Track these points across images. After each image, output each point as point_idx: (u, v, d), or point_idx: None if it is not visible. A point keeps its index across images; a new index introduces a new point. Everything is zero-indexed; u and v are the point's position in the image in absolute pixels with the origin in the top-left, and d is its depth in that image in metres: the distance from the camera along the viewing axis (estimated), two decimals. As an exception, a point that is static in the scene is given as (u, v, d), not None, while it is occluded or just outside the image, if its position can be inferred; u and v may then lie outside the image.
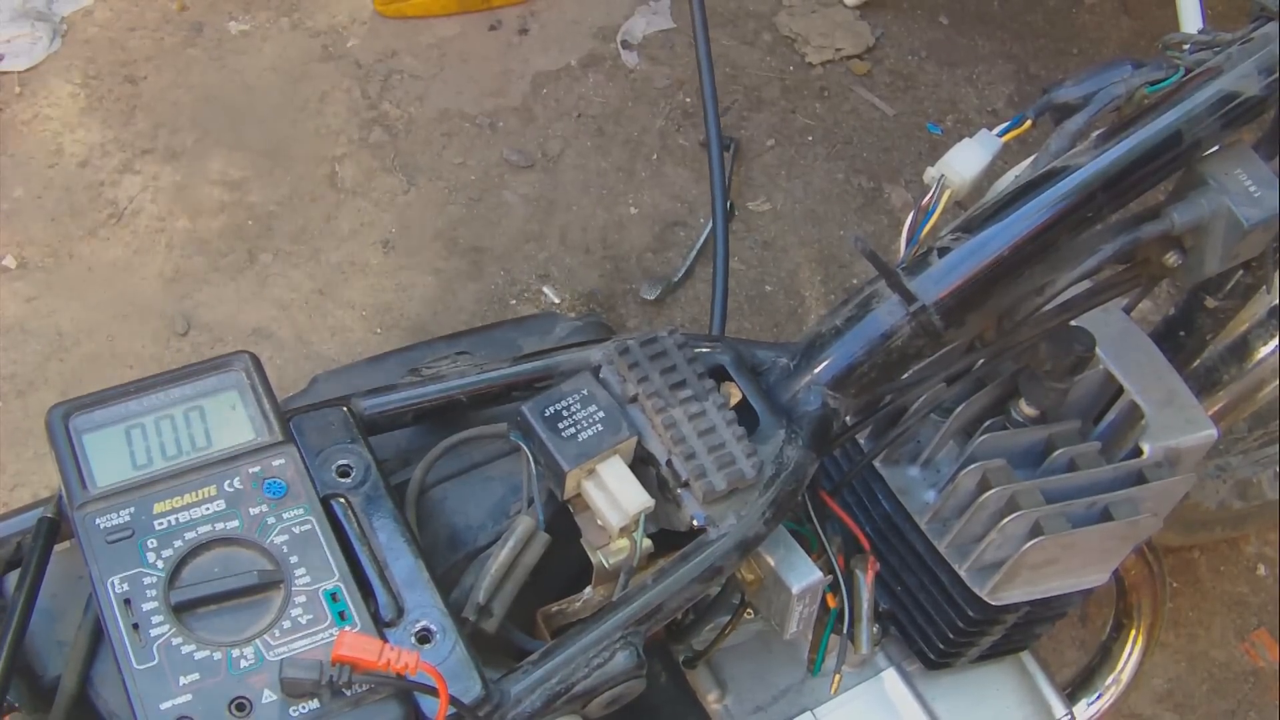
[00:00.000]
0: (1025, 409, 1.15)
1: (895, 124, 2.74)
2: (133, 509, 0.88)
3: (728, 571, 0.98)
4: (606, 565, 0.98)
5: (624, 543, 0.98)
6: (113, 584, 0.85)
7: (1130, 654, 1.59)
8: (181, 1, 2.74)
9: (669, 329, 1.02)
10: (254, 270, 2.41)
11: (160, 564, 0.86)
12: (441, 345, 1.16)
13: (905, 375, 1.05)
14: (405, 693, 0.83)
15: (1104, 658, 1.61)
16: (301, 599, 0.86)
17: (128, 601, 0.85)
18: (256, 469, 0.91)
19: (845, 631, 1.14)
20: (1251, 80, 1.02)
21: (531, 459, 0.97)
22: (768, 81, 2.78)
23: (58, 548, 0.93)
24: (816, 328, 1.04)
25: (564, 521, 0.99)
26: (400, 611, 0.88)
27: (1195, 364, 1.53)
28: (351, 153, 2.57)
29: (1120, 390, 1.17)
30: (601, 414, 0.96)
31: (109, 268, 2.39)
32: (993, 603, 1.14)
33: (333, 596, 0.87)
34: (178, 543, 0.87)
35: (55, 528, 0.92)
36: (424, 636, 0.88)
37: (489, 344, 1.17)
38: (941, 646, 1.20)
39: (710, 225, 2.51)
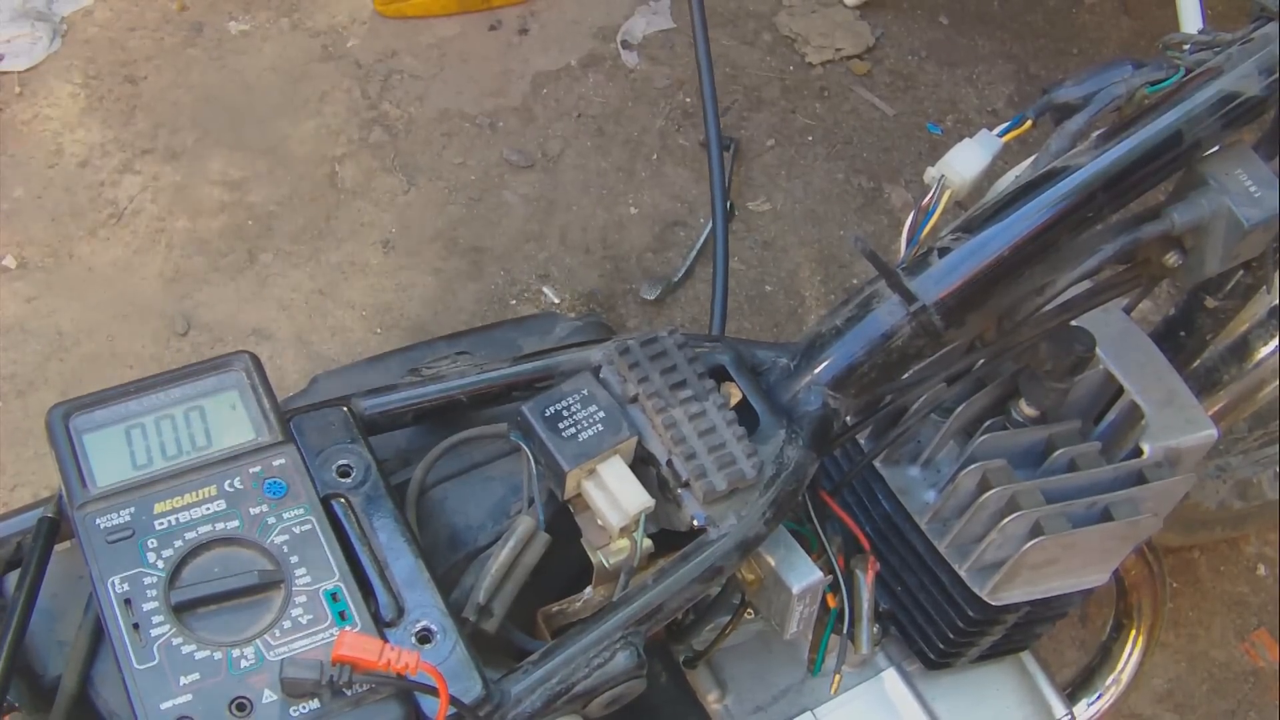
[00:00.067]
0: (1025, 409, 1.15)
1: (895, 124, 2.74)
2: (133, 509, 0.88)
3: (728, 571, 0.98)
4: (607, 565, 0.98)
5: (624, 543, 0.98)
6: (113, 584, 0.85)
7: (1130, 654, 1.59)
8: (181, 1, 2.74)
9: (669, 329, 1.02)
10: (254, 270, 2.41)
11: (160, 564, 0.86)
12: (441, 345, 1.16)
13: (905, 375, 1.05)
14: (405, 693, 0.83)
15: (1104, 658, 1.61)
16: (302, 599, 0.86)
17: (128, 601, 0.85)
18: (257, 469, 0.91)
19: (845, 631, 1.14)
20: (1252, 80, 1.02)
21: (532, 459, 0.97)
22: (768, 81, 2.78)
23: (58, 548, 0.93)
24: (817, 328, 1.04)
25: (564, 521, 0.99)
26: (400, 611, 0.88)
27: (1195, 364, 1.53)
28: (351, 153, 2.57)
29: (1120, 390, 1.17)
30: (602, 414, 0.96)
31: (109, 268, 2.39)
32: (993, 603, 1.14)
33: (333, 596, 0.87)
34: (178, 543, 0.87)
35: (55, 528, 0.92)
36: (424, 636, 0.88)
37: (489, 344, 1.17)
38: (941, 646, 1.20)
39: (710, 225, 2.51)
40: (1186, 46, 1.07)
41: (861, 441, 1.19)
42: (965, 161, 1.08)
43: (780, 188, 2.63)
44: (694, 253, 2.50)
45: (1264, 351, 1.68)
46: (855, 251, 2.51)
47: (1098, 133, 1.05)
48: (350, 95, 2.65)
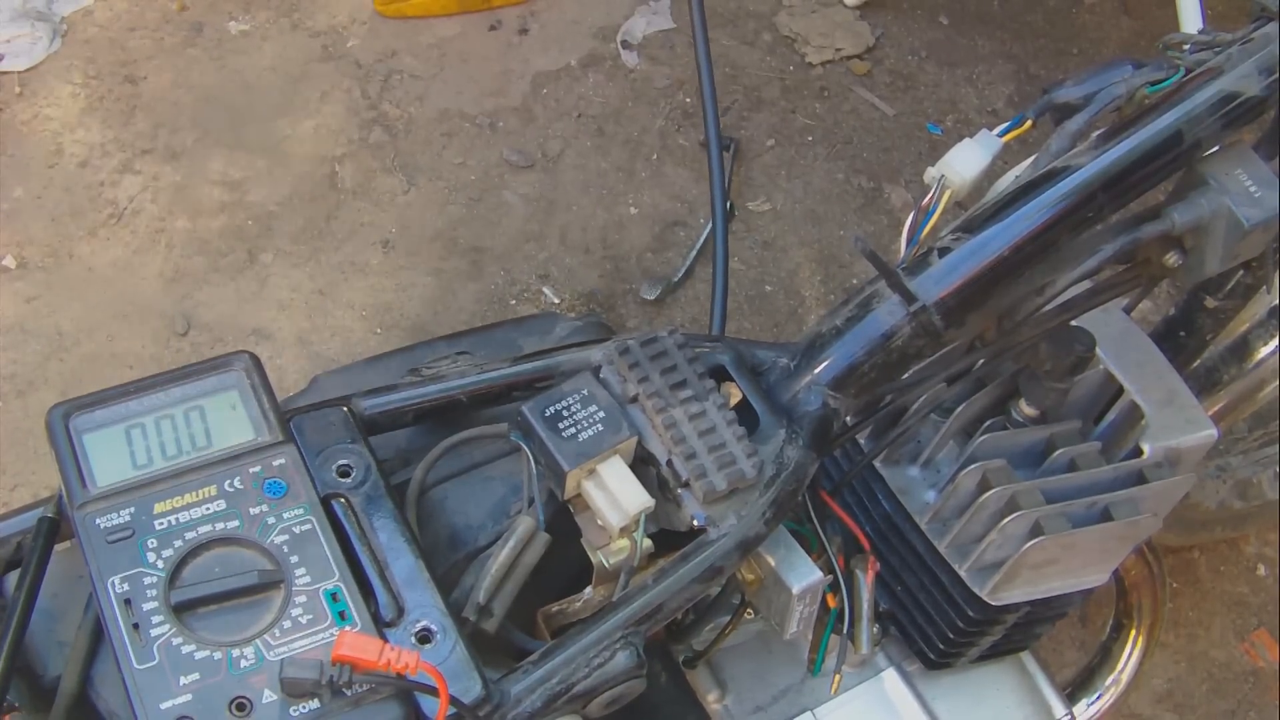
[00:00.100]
0: (1025, 409, 1.15)
1: (895, 124, 2.74)
2: (133, 509, 0.88)
3: (728, 571, 0.98)
4: (607, 565, 0.98)
5: (624, 543, 0.98)
6: (113, 584, 0.85)
7: (1130, 654, 1.59)
8: (181, 1, 2.74)
9: (669, 329, 1.02)
10: (254, 270, 2.41)
11: (160, 564, 0.86)
12: (442, 345, 1.16)
13: (905, 375, 1.05)
14: (405, 693, 0.83)
15: (1104, 658, 1.61)
16: (302, 599, 0.86)
17: (128, 601, 0.85)
18: (257, 469, 0.91)
19: (845, 631, 1.14)
20: (1252, 80, 1.02)
21: (532, 459, 0.97)
22: (768, 81, 2.78)
23: (58, 548, 0.93)
24: (817, 328, 1.04)
25: (564, 521, 0.99)
26: (400, 611, 0.88)
27: (1195, 364, 1.53)
28: (351, 153, 2.57)
29: (1120, 390, 1.17)
30: (602, 414, 0.96)
31: (109, 268, 2.39)
32: (993, 603, 1.14)
33: (333, 596, 0.87)
34: (178, 542, 0.87)
35: (55, 527, 0.92)
36: (424, 636, 0.88)
37: (489, 344, 1.17)
38: (941, 646, 1.20)
39: (710, 225, 2.51)
40: (1186, 46, 1.07)
41: (861, 441, 1.19)
42: (965, 161, 1.08)
43: (780, 188, 2.63)
44: (694, 253, 2.50)
45: (1264, 351, 1.68)
46: (855, 251, 2.51)
47: (1098, 133, 1.05)
48: (350, 95, 2.65)
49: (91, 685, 0.89)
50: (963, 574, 1.14)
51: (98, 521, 0.88)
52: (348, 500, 0.93)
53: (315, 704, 0.82)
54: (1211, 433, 1.15)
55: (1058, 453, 1.14)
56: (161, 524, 0.88)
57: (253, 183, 2.52)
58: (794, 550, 1.03)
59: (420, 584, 0.90)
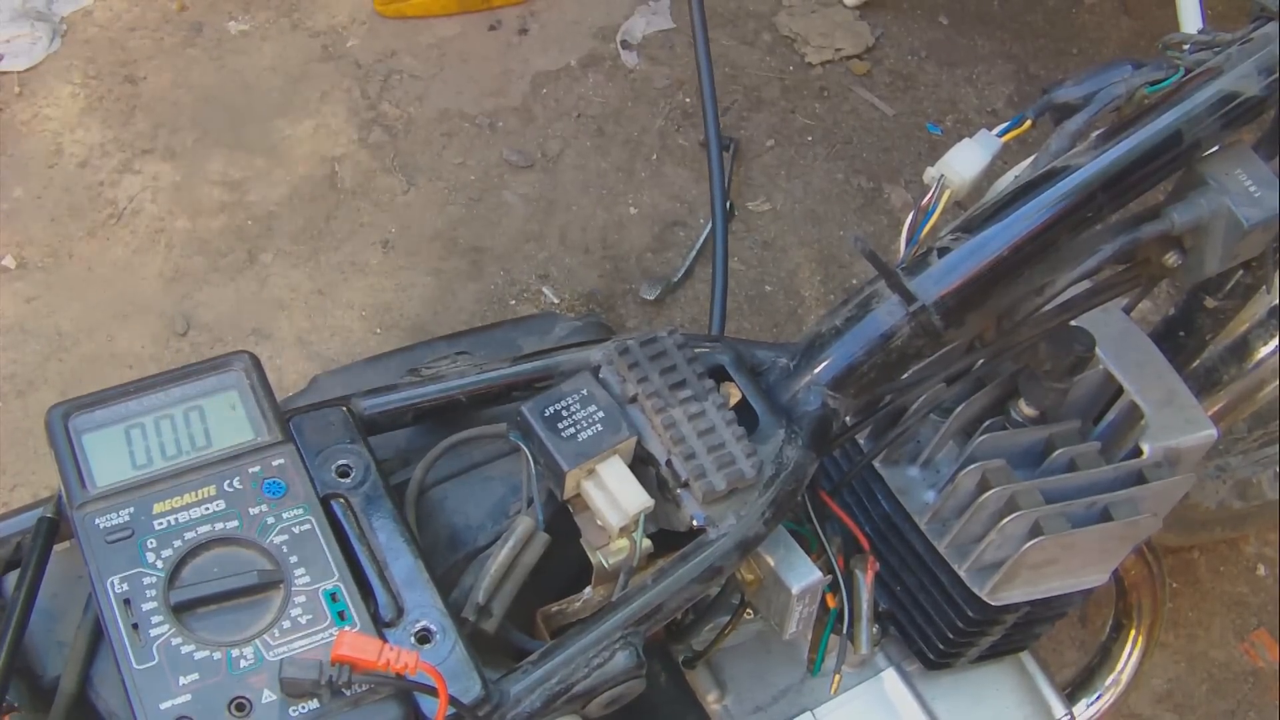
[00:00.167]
0: (1025, 409, 1.15)
1: (895, 124, 2.74)
2: (132, 509, 0.88)
3: (727, 572, 0.97)
4: (606, 565, 0.98)
5: (624, 543, 0.97)
6: (112, 584, 0.85)
7: (1130, 654, 1.59)
8: (181, 1, 2.74)
9: (669, 329, 1.02)
10: (254, 270, 2.41)
11: (160, 564, 0.86)
12: (441, 345, 1.16)
13: (905, 375, 1.05)
14: (405, 693, 0.83)
15: (1104, 658, 1.61)
16: (301, 599, 0.86)
17: (127, 601, 0.85)
18: (256, 469, 0.91)
19: (845, 631, 1.14)
20: (1251, 80, 1.02)
21: (531, 459, 0.97)
22: (767, 81, 2.78)
23: (57, 548, 0.93)
24: (816, 328, 1.04)
25: (564, 521, 0.99)
26: (400, 611, 0.88)
27: (1195, 364, 1.53)
28: (351, 153, 2.57)
29: (1120, 390, 1.17)
30: (601, 414, 0.96)
31: (109, 268, 2.39)
32: (992, 603, 1.14)
33: (332, 596, 0.87)
34: (177, 542, 0.87)
35: (55, 528, 0.92)
36: (423, 636, 0.88)
37: (489, 344, 1.17)
38: (941, 646, 1.20)
39: (710, 225, 2.51)
40: (1186, 46, 1.07)
41: (861, 441, 1.19)
42: (965, 161, 1.08)
43: (780, 188, 2.63)
44: (694, 253, 2.50)
45: (1264, 351, 1.68)
46: (855, 251, 2.51)
47: (1097, 133, 1.05)
48: (350, 95, 2.65)
49: (91, 685, 0.89)
50: (962, 574, 1.14)
51: (97, 521, 0.88)
52: (347, 500, 0.93)
53: (315, 704, 0.82)
54: (1211, 433, 1.15)
55: (1057, 453, 1.14)
56: (161, 524, 0.88)
57: (252, 183, 2.52)
58: (793, 550, 1.03)
59: (419, 584, 0.90)
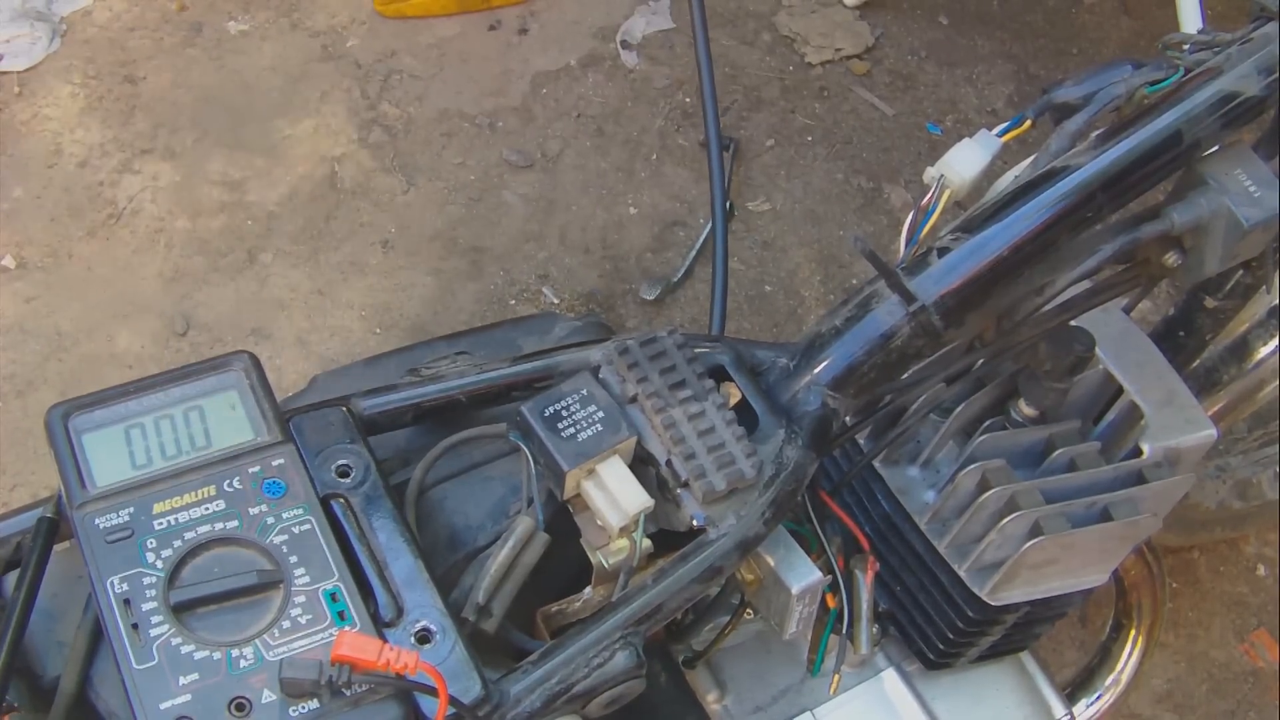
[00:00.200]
0: (1025, 409, 1.15)
1: (895, 124, 2.74)
2: (132, 509, 0.88)
3: (727, 572, 0.97)
4: (606, 565, 0.98)
5: (624, 543, 0.97)
6: (112, 584, 0.85)
7: (1130, 654, 1.59)
8: (181, 1, 2.74)
9: (668, 329, 1.02)
10: (254, 270, 2.41)
11: (160, 564, 0.86)
12: (441, 345, 1.16)
13: (905, 375, 1.05)
14: (405, 693, 0.83)
15: (1104, 658, 1.61)
16: (301, 599, 0.86)
17: (127, 601, 0.85)
18: (256, 469, 0.91)
19: (845, 632, 1.14)
20: (1251, 80, 1.02)
21: (531, 459, 0.97)
22: (767, 81, 2.78)
23: (57, 548, 0.93)
24: (816, 328, 1.04)
25: (564, 521, 0.99)
26: (400, 611, 0.88)
27: (1195, 364, 1.53)
28: (351, 153, 2.57)
29: (1120, 390, 1.17)
30: (601, 414, 0.96)
31: (108, 268, 2.39)
32: (992, 603, 1.14)
33: (332, 596, 0.87)
34: (177, 543, 0.87)
35: (55, 528, 0.92)
36: (423, 636, 0.88)
37: (489, 344, 1.17)
38: (941, 647, 1.20)
39: (710, 225, 2.51)
40: (1186, 46, 1.07)
41: (861, 441, 1.19)
42: (965, 161, 1.08)
43: (780, 188, 2.63)
44: (693, 253, 2.50)
45: (1264, 351, 1.68)
46: (855, 251, 2.51)
47: (1097, 133, 1.05)
48: (350, 95, 2.65)
49: (91, 685, 0.89)
50: (962, 574, 1.14)
51: (97, 521, 0.88)
52: (347, 500, 0.93)
53: (314, 704, 0.82)
54: (1211, 433, 1.15)
55: (1057, 453, 1.14)
56: (161, 524, 0.88)
57: (252, 183, 2.52)
58: (793, 550, 1.03)
59: (419, 584, 0.90)
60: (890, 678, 1.25)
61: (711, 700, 1.23)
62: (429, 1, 2.75)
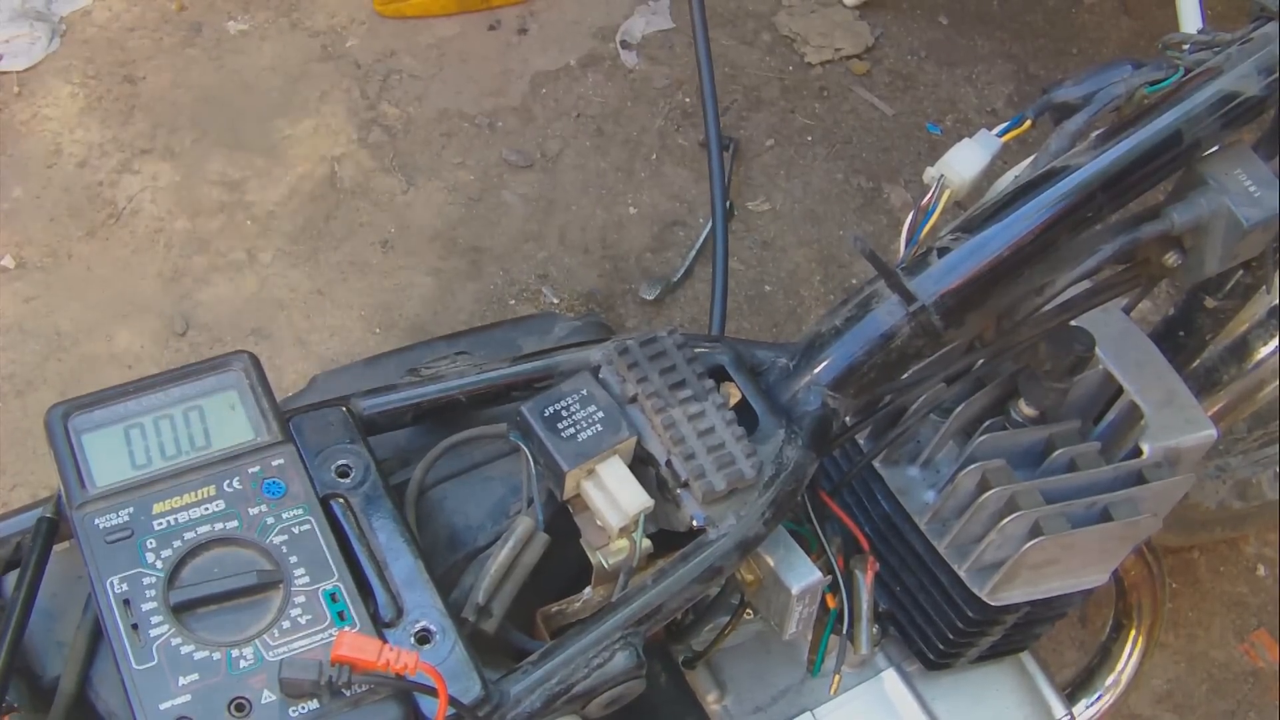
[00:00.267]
0: (1025, 409, 1.15)
1: (894, 124, 2.74)
2: (132, 509, 0.88)
3: (727, 572, 0.97)
4: (606, 565, 0.98)
5: (623, 543, 0.97)
6: (112, 584, 0.85)
7: (1130, 654, 1.59)
8: (180, 1, 2.74)
9: (668, 329, 1.02)
10: (253, 270, 2.41)
11: (159, 564, 0.86)
12: (441, 345, 1.16)
13: (905, 375, 1.05)
14: (404, 693, 0.83)
15: (1104, 658, 1.61)
16: (301, 599, 0.86)
17: (127, 602, 0.85)
18: (256, 469, 0.91)
19: (845, 632, 1.14)
20: (1251, 80, 1.02)
21: (531, 459, 0.97)
22: (767, 81, 2.78)
23: (57, 548, 0.93)
24: (816, 328, 1.04)
25: (563, 522, 0.99)
26: (399, 612, 0.88)
27: (1195, 364, 1.53)
28: (350, 153, 2.57)
29: (1120, 390, 1.17)
30: (601, 414, 0.96)
31: (108, 268, 2.39)
32: (992, 603, 1.14)
33: (332, 597, 0.86)
34: (177, 543, 0.87)
35: (54, 528, 0.92)
36: (423, 637, 0.88)
37: (488, 344, 1.17)
38: (941, 647, 1.20)
39: (710, 225, 2.51)
40: (1186, 46, 1.07)
41: (861, 441, 1.18)
42: (964, 161, 1.08)
43: (780, 188, 2.63)
44: (693, 253, 2.50)
45: (1264, 351, 1.68)
46: (855, 251, 2.51)
47: (1097, 133, 1.05)
48: (349, 95, 2.65)
49: (90, 686, 0.89)
50: (962, 574, 1.14)
51: (97, 522, 0.88)
52: (347, 500, 0.93)
53: (314, 704, 0.82)
54: (1211, 433, 1.15)
55: (1057, 453, 1.14)
56: (160, 524, 0.88)
57: (252, 183, 2.52)
58: (793, 550, 1.03)
59: (419, 584, 0.90)
60: (890, 678, 1.25)
61: (711, 700, 1.23)
62: (428, 1, 2.75)
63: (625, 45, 2.79)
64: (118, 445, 0.92)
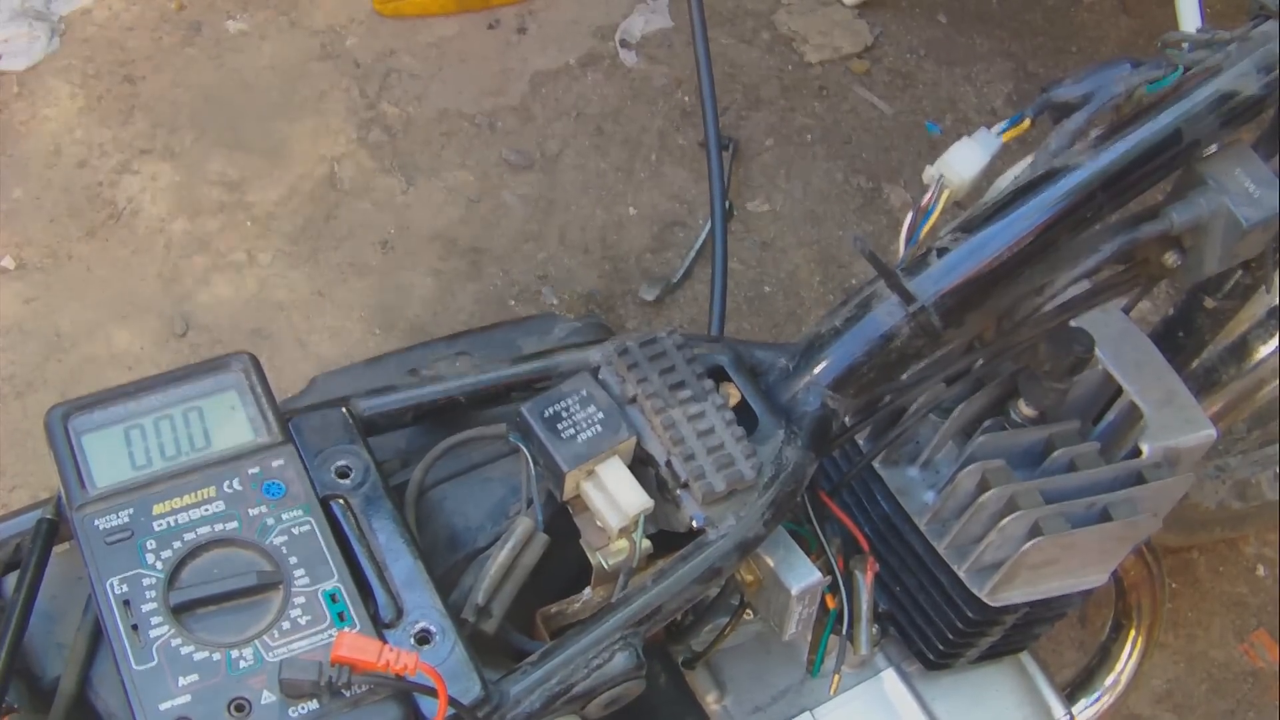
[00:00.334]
0: (1024, 409, 1.15)
1: (894, 123, 2.74)
2: (132, 510, 0.88)
3: (727, 573, 0.97)
4: (606, 566, 0.98)
5: (623, 544, 0.97)
6: (112, 585, 0.85)
7: (1129, 655, 1.59)
8: (179, 1, 2.74)
9: (668, 329, 1.02)
10: (253, 270, 2.41)
11: (159, 565, 0.86)
12: (441, 346, 1.16)
13: (905, 375, 1.05)
14: (404, 693, 0.83)
15: (1103, 658, 1.61)
16: (300, 600, 0.86)
17: (127, 603, 0.85)
18: (255, 470, 0.91)
19: (844, 632, 1.14)
20: (1250, 79, 1.03)
21: (531, 460, 0.97)
22: (766, 80, 2.78)
23: (57, 549, 0.93)
24: (816, 328, 1.04)
25: (563, 522, 0.99)
26: (399, 612, 0.88)
27: (1195, 364, 1.53)
28: (350, 152, 2.57)
29: (1119, 390, 1.17)
30: (601, 415, 0.96)
31: (108, 268, 2.39)
32: (992, 603, 1.14)
33: (332, 597, 0.87)
34: (177, 544, 0.87)
35: (54, 529, 0.92)
36: (423, 637, 0.88)
37: (488, 344, 1.17)
38: (941, 647, 1.20)
39: (709, 225, 2.50)
40: (1185, 45, 1.07)
41: (860, 442, 1.18)
42: (964, 161, 1.08)
43: (779, 188, 2.63)
44: (693, 253, 2.50)
45: (1263, 351, 1.68)
46: (854, 251, 2.51)
47: (1096, 132, 1.05)
48: (349, 95, 2.65)
49: (90, 686, 0.89)
50: (962, 575, 1.14)
51: (96, 523, 0.88)
52: (347, 501, 0.93)
53: (314, 705, 0.82)
54: (1210, 433, 1.15)
55: (1057, 453, 1.14)
56: (160, 525, 0.88)
57: (251, 183, 2.52)
58: (793, 551, 1.03)
59: (419, 585, 0.90)
60: (890, 678, 1.25)
61: (711, 701, 1.23)
62: (428, 1, 2.75)
63: (624, 44, 2.79)
64: (118, 446, 0.92)
